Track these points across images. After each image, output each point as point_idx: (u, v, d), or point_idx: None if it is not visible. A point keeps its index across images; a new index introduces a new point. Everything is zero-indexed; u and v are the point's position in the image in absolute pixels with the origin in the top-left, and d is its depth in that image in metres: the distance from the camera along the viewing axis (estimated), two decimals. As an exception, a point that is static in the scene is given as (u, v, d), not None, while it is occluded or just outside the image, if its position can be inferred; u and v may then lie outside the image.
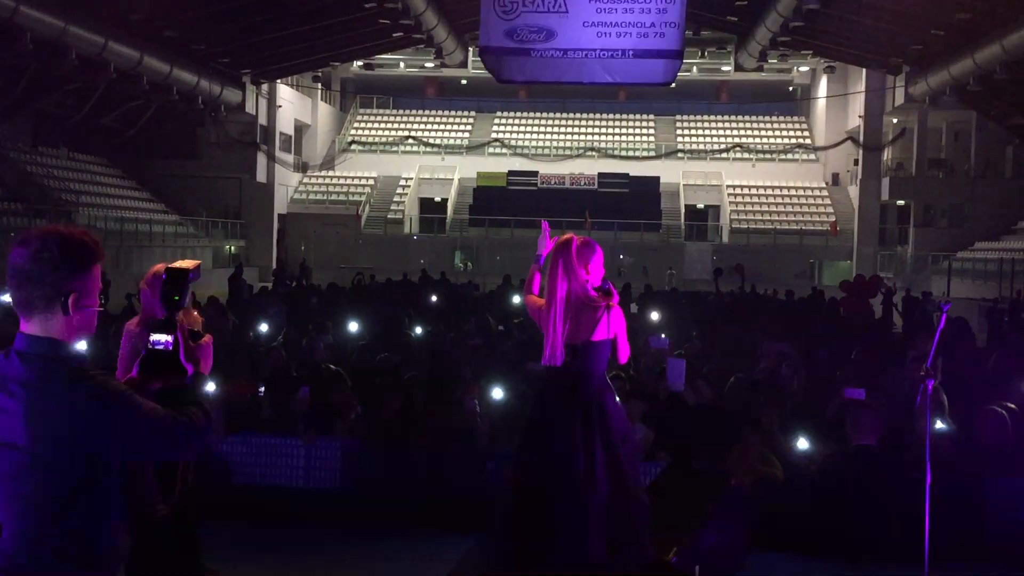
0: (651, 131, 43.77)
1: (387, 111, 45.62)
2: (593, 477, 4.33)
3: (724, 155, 41.32)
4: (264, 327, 11.46)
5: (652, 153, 42.06)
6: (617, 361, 4.65)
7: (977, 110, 31.60)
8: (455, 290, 18.68)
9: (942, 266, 30.11)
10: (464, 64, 40.48)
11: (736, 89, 45.34)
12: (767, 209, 39.04)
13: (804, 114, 44.31)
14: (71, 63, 22.78)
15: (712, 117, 44.33)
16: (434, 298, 15.68)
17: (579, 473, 4.34)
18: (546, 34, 21.25)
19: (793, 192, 39.84)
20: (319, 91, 41.39)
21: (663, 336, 9.51)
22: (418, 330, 11.57)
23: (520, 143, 42.77)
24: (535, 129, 44.06)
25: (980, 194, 32.83)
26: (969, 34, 24.34)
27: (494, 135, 43.10)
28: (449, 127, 44.28)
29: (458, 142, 43.04)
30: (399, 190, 40.68)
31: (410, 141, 42.76)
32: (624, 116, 44.36)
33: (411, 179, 40.93)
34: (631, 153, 42.12)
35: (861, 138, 35.94)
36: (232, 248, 33.95)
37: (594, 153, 41.68)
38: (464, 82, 45.23)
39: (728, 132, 43.11)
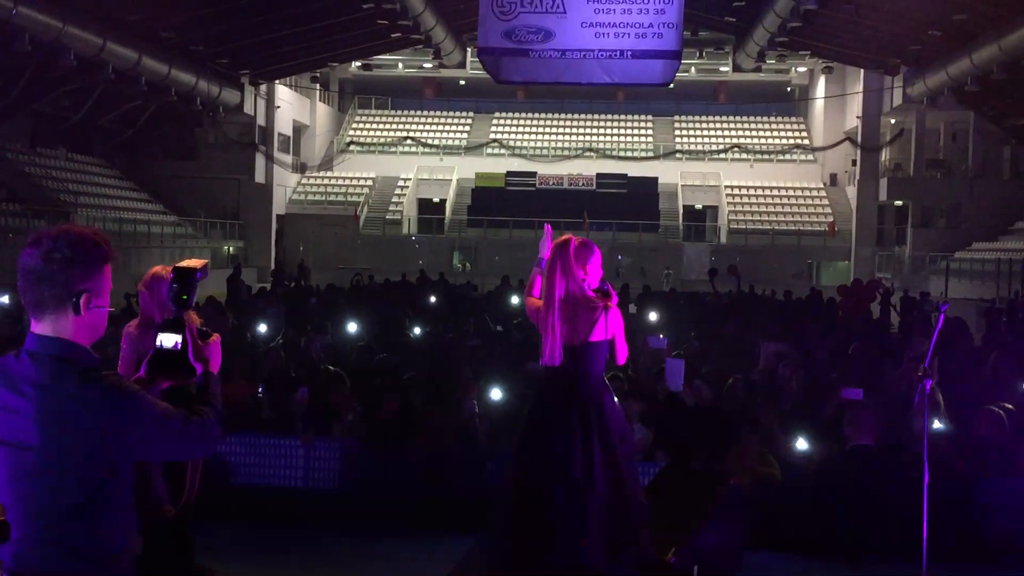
0: (649, 132, 43.79)
1: (385, 112, 45.61)
2: (591, 477, 4.34)
3: (722, 156, 41.34)
4: (263, 328, 11.47)
5: (650, 154, 42.07)
6: (615, 362, 4.67)
7: (975, 111, 31.62)
8: (453, 291, 18.70)
9: (940, 266, 30.14)
10: (462, 65, 40.48)
11: (734, 90, 45.36)
12: (765, 209, 39.06)
13: (802, 115, 44.34)
14: (69, 64, 22.77)
15: (710, 118, 44.35)
16: (433, 299, 15.68)
17: (577, 473, 4.35)
18: (544, 35, 21.27)
19: (791, 192, 39.86)
20: (317, 92, 41.38)
21: (661, 336, 9.52)
22: (416, 331, 11.59)
23: (518, 144, 42.77)
24: (533, 130, 44.07)
25: (978, 194, 32.85)
26: (967, 34, 24.36)
27: (492, 136, 43.11)
28: (447, 128, 44.28)
29: (456, 143, 43.04)
30: (397, 191, 40.68)
31: (408, 142, 42.76)
32: (622, 117, 44.37)
33: (409, 180, 40.93)
34: (629, 154, 42.13)
35: (859, 139, 35.96)
36: (230, 249, 33.93)
37: (592, 154, 41.69)
38: (462, 83, 45.24)
39: (726, 133, 43.14)
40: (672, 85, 30.02)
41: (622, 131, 43.82)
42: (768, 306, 16.56)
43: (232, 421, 6.92)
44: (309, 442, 6.90)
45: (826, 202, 39.13)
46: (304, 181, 40.57)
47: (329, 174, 41.18)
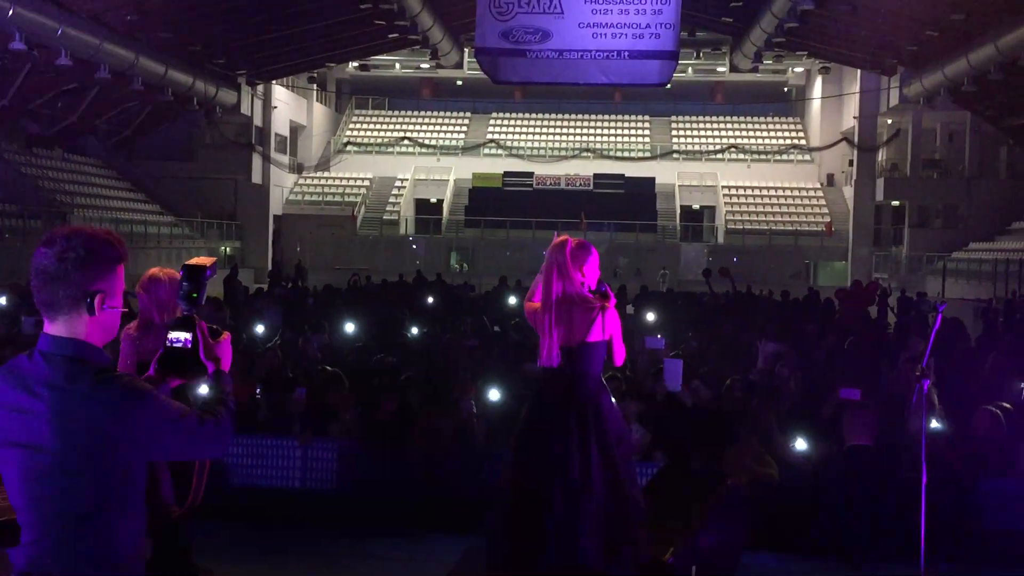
0: (646, 132, 43.79)
1: (382, 112, 45.59)
2: (589, 478, 4.34)
3: (719, 156, 41.36)
4: (260, 328, 11.46)
5: (647, 154, 42.08)
6: (613, 362, 4.67)
7: (971, 111, 31.65)
8: (451, 291, 18.69)
9: (937, 267, 30.16)
10: (460, 65, 40.45)
11: (731, 90, 45.39)
12: (762, 210, 39.09)
13: (799, 115, 44.38)
14: (65, 64, 22.73)
15: (707, 118, 44.37)
16: (430, 299, 15.68)
17: (575, 474, 4.35)
18: (541, 35, 21.27)
19: (788, 193, 39.89)
20: (314, 92, 41.33)
21: (659, 337, 9.52)
22: (414, 331, 11.58)
23: (516, 144, 42.77)
24: (531, 130, 44.07)
25: (974, 195, 32.88)
26: (963, 35, 24.38)
27: (489, 136, 43.10)
28: (445, 128, 44.27)
29: (454, 143, 43.03)
30: (395, 191, 40.66)
31: (406, 142, 42.74)
32: (619, 117, 44.38)
33: (407, 180, 40.91)
34: (627, 154, 42.13)
35: (856, 139, 35.99)
36: (227, 249, 33.88)
37: (590, 154, 41.69)
38: (460, 83, 45.23)
39: (723, 133, 43.16)
40: (669, 85, 30.05)
41: (619, 131, 43.83)
42: (766, 306, 16.57)
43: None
44: (307, 442, 6.89)
45: (823, 202, 39.16)
46: (301, 181, 40.54)
47: (326, 174, 41.15)
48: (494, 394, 7.27)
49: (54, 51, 22.32)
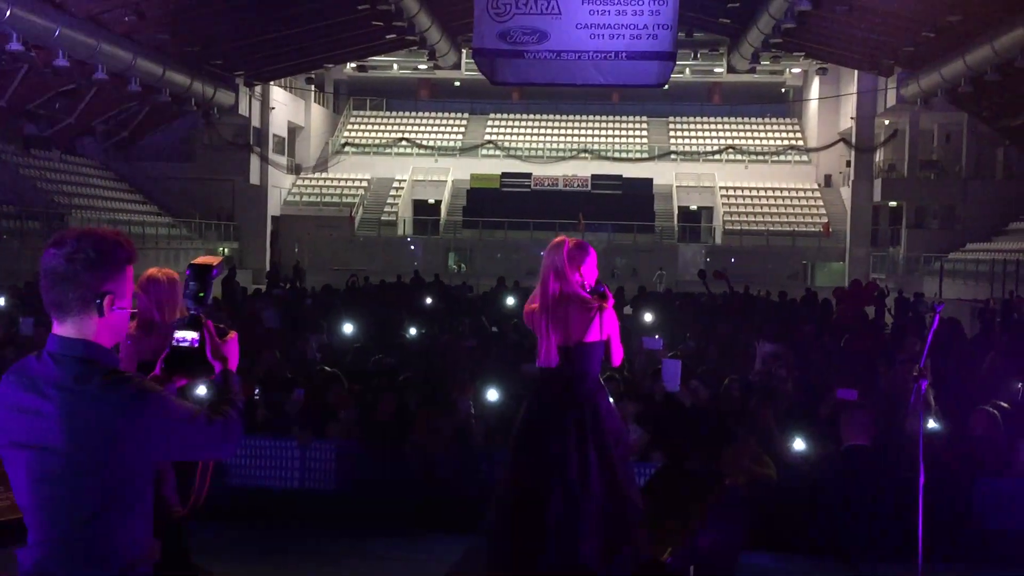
0: (644, 133, 43.82)
1: (380, 113, 45.59)
2: (587, 478, 4.35)
3: (717, 157, 41.40)
4: (258, 329, 11.44)
5: (645, 155, 42.10)
6: (611, 362, 4.68)
7: (968, 112, 31.71)
8: (449, 292, 18.69)
9: (934, 267, 30.21)
10: (457, 66, 40.48)
11: (729, 91, 45.43)
12: (760, 210, 39.12)
13: (796, 116, 44.42)
14: (63, 65, 22.72)
15: (705, 119, 44.40)
16: (428, 300, 15.68)
17: (573, 474, 4.36)
18: (539, 36, 21.30)
19: (786, 193, 39.93)
20: (312, 93, 41.34)
21: (657, 337, 9.52)
22: (412, 331, 11.59)
23: (513, 145, 42.78)
24: (528, 131, 44.09)
25: (971, 195, 32.93)
26: (960, 36, 24.43)
27: (487, 137, 43.12)
28: (442, 129, 44.27)
29: (451, 144, 43.04)
30: (392, 192, 40.66)
31: (403, 143, 42.74)
32: (617, 118, 44.41)
33: (404, 181, 40.91)
34: (624, 155, 42.16)
35: (853, 139, 36.03)
36: (225, 250, 33.86)
37: (587, 155, 41.71)
38: (457, 84, 45.24)
39: (721, 134, 43.19)
40: (667, 86, 30.08)
41: (617, 132, 43.85)
42: (763, 307, 16.58)
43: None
44: (305, 443, 6.89)
45: (820, 203, 39.20)
46: (299, 182, 40.54)
47: (324, 175, 41.15)
48: (492, 394, 7.28)
49: (52, 52, 22.32)
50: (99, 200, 29.97)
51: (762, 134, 43.27)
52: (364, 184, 40.98)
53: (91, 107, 28.64)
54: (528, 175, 40.04)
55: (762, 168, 40.93)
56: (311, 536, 6.37)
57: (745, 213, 38.93)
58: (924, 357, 5.13)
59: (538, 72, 21.93)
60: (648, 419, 7.01)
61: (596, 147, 42.41)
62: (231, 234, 34.99)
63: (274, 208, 37.53)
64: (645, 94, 40.59)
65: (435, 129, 44.13)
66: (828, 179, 40.42)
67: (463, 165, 41.27)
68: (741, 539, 5.35)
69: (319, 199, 39.74)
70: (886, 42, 28.09)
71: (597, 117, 44.23)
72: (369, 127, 44.42)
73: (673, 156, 41.60)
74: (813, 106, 40.99)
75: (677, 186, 40.20)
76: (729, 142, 42.09)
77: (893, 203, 36.06)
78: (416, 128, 43.91)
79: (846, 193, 37.29)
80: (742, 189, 40.04)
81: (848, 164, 37.69)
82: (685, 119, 44.34)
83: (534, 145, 42.87)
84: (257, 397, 7.46)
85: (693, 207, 40.06)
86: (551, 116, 44.37)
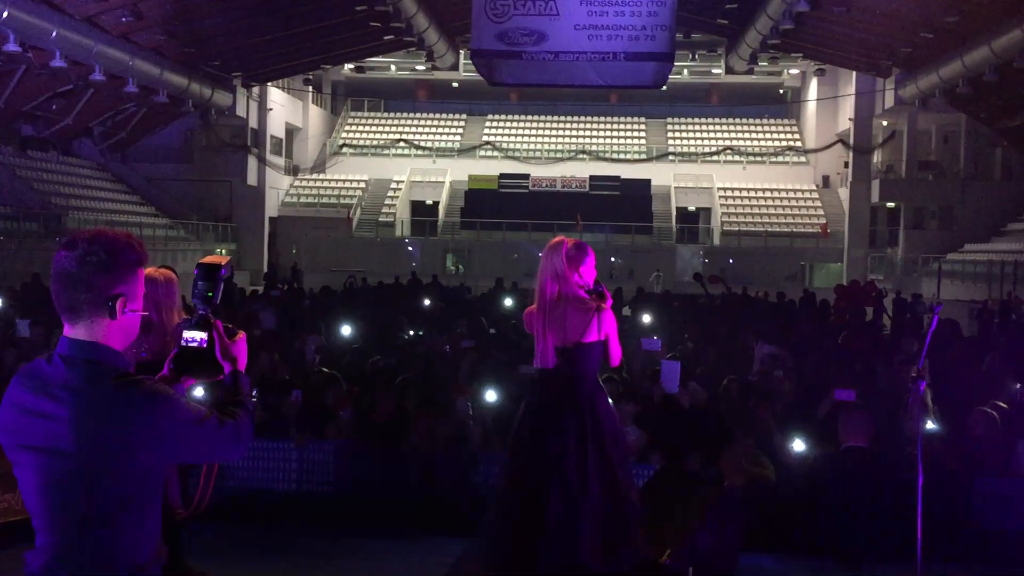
0: (642, 134, 43.84)
1: (378, 114, 45.58)
2: (586, 479, 4.35)
3: (715, 158, 41.41)
4: (255, 331, 11.42)
5: (643, 156, 42.11)
6: (609, 363, 4.67)
7: (966, 113, 31.74)
8: (447, 293, 18.69)
9: (932, 268, 30.22)
10: (455, 67, 40.48)
11: (726, 92, 45.45)
12: (758, 211, 39.14)
13: (794, 117, 44.44)
14: (60, 66, 22.69)
15: (703, 120, 44.42)
16: (427, 301, 15.67)
17: (572, 475, 4.35)
18: (537, 37, 21.31)
19: (784, 194, 39.95)
20: (310, 94, 41.33)
21: (655, 338, 9.52)
22: (410, 332, 11.58)
23: (511, 146, 42.79)
24: (526, 132, 44.09)
25: (970, 196, 32.96)
26: (958, 37, 24.45)
27: (485, 138, 43.11)
28: (440, 130, 44.27)
29: (449, 145, 43.03)
30: (390, 193, 40.65)
31: (401, 144, 42.73)
32: (615, 119, 44.42)
33: (402, 182, 40.89)
34: (622, 156, 42.17)
35: (851, 140, 36.04)
36: (223, 251, 33.82)
37: (585, 156, 41.72)
38: (455, 85, 45.24)
39: (719, 134, 43.21)
40: (665, 87, 30.10)
41: (615, 133, 43.86)
42: (761, 308, 16.58)
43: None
44: (302, 445, 6.89)
45: (818, 204, 39.22)
46: (297, 183, 40.52)
47: (322, 176, 41.13)
48: (490, 395, 7.27)
49: (48, 53, 22.30)
50: (96, 201, 29.94)
51: (760, 135, 43.30)
52: (362, 185, 40.97)
53: (88, 108, 28.61)
54: (526, 176, 40.05)
55: (760, 169, 40.95)
56: (310, 537, 6.36)
57: (743, 214, 38.94)
58: (922, 358, 5.13)
59: (536, 73, 21.94)
60: (647, 420, 7.01)
61: (594, 148, 42.42)
62: (229, 235, 34.97)
63: (272, 209, 37.51)
64: (643, 95, 40.61)
65: (433, 130, 44.13)
66: (826, 180, 40.45)
67: (461, 166, 41.27)
68: (740, 540, 5.35)
69: (317, 200, 39.73)
70: (884, 43, 28.11)
71: (595, 118, 44.24)
72: (367, 128, 44.41)
73: (671, 157, 41.61)
74: (811, 107, 41.01)
75: (675, 187, 40.21)
76: (727, 143, 42.11)
77: (891, 204, 36.09)
78: (414, 129, 43.91)
79: (844, 194, 37.31)
80: (740, 190, 40.06)
81: (846, 165, 37.71)
82: (683, 120, 44.36)
83: (532, 146, 42.87)
84: (255, 399, 7.45)
85: (691, 208, 40.07)
86: (549, 117, 44.38)
